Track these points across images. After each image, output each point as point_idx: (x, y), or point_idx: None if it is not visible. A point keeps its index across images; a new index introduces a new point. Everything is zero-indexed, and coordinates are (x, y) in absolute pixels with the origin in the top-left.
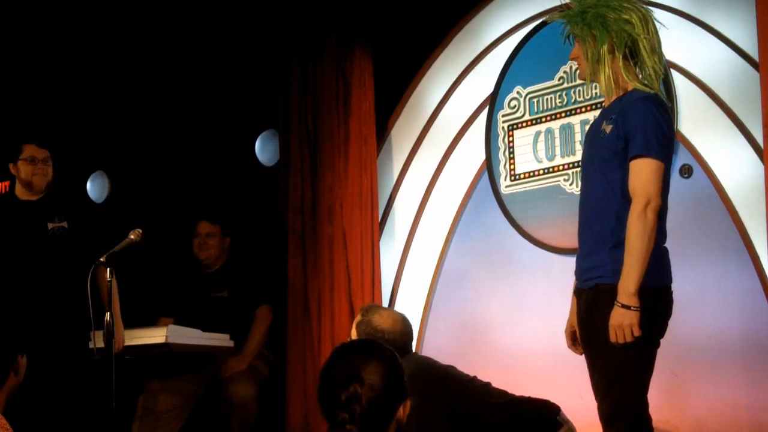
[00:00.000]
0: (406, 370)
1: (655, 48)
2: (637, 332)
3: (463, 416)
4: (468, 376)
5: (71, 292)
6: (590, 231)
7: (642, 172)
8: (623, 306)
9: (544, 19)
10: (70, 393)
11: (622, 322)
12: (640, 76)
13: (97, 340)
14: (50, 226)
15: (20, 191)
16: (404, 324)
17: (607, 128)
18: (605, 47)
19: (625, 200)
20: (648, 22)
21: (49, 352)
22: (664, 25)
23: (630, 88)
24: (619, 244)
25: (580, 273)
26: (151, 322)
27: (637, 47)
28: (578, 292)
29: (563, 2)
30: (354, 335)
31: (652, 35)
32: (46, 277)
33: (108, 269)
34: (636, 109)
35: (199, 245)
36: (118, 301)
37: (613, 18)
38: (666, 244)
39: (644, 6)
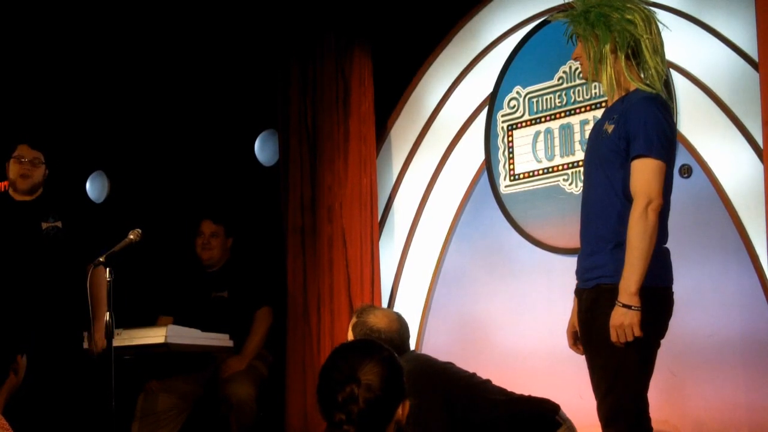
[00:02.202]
0: (404, 368)
1: (658, 49)
2: (638, 332)
3: (463, 414)
4: (467, 372)
5: (66, 291)
6: (592, 231)
7: (643, 172)
8: (624, 306)
9: (544, 18)
10: (69, 393)
11: (623, 321)
12: (642, 76)
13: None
14: (44, 225)
15: (13, 192)
16: (400, 322)
17: (609, 128)
18: (608, 47)
19: (627, 200)
20: (651, 23)
21: (46, 352)
22: (667, 27)
23: (632, 88)
24: (620, 244)
25: (581, 273)
26: (150, 322)
27: (639, 48)
28: (579, 292)
29: (564, 2)
30: (350, 337)
31: (654, 36)
32: (41, 277)
33: (107, 269)
34: (638, 109)
35: (203, 245)
36: (106, 299)
37: (616, 18)
38: (667, 245)
39: (647, 7)
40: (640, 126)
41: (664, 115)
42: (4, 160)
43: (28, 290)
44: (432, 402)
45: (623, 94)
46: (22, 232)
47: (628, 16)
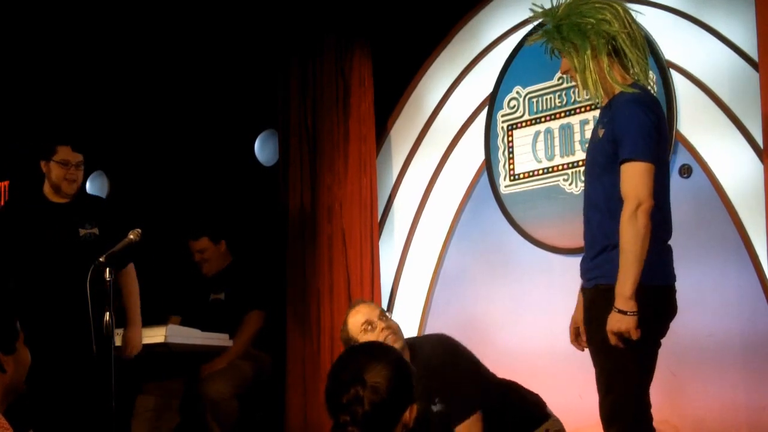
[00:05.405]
0: (443, 337)
1: (637, 40)
2: (635, 336)
3: (486, 390)
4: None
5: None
6: (590, 233)
7: (632, 176)
8: (620, 311)
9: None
10: (73, 393)
11: (620, 327)
12: (631, 72)
13: (116, 339)
14: (81, 232)
15: (49, 192)
16: None
17: (601, 132)
18: (588, 53)
19: (621, 203)
20: (623, 16)
21: (74, 354)
22: (641, 13)
23: (616, 91)
24: (617, 246)
25: (582, 273)
26: (150, 322)
27: (617, 44)
28: (583, 291)
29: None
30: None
31: (630, 28)
32: (77, 282)
33: (107, 270)
34: (622, 113)
35: (200, 262)
36: (138, 301)
37: (588, 23)
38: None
39: (617, 1)
40: (624, 130)
41: (648, 114)
42: (6, 159)
43: (62, 294)
44: (466, 371)
45: (610, 97)
46: (61, 237)
47: (599, 16)
